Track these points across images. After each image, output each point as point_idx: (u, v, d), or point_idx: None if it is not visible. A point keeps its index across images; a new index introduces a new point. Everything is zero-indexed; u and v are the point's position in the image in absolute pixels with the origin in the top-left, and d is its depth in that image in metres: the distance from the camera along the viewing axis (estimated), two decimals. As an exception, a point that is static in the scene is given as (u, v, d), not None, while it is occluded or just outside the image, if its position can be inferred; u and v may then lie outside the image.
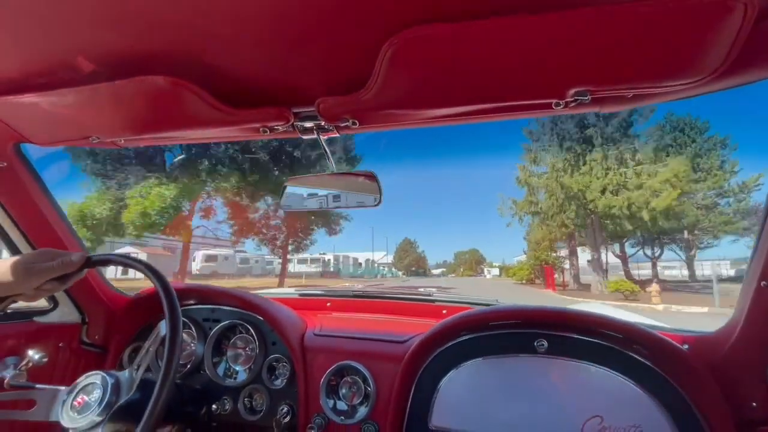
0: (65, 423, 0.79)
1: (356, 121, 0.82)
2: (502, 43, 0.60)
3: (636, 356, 0.93)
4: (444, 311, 1.38)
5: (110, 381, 0.84)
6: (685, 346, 0.93)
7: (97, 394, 0.82)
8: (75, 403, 0.82)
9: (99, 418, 0.79)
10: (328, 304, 1.56)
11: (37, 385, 0.88)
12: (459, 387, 1.02)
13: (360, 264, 58.42)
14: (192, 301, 1.35)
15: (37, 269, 0.78)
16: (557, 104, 0.72)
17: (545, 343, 0.99)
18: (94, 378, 0.85)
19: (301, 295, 1.65)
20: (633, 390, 0.91)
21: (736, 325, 0.85)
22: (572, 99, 0.70)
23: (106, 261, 0.86)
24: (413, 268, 71.78)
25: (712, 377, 0.87)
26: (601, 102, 0.73)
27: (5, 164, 1.01)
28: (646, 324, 1.06)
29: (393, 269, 65.24)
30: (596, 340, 0.97)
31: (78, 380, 0.85)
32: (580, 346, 0.98)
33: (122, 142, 0.96)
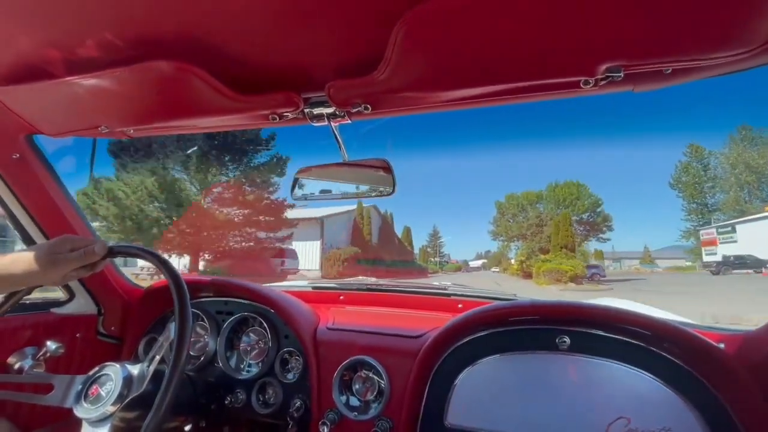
0: (78, 413, 0.80)
1: (369, 106, 0.78)
2: (525, 14, 0.55)
3: (666, 355, 0.88)
4: (460, 305, 1.34)
5: (123, 373, 0.83)
6: (721, 345, 0.87)
7: (110, 385, 0.82)
8: (90, 393, 0.83)
9: (110, 410, 0.78)
10: (341, 297, 1.53)
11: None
12: (476, 384, 0.98)
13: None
14: (206, 294, 1.35)
15: (61, 259, 0.78)
16: (586, 83, 0.66)
17: (568, 340, 0.94)
18: (108, 369, 0.85)
19: (314, 288, 1.63)
20: (663, 391, 0.85)
21: None
22: (603, 76, 0.64)
23: (127, 252, 0.87)
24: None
25: (751, 378, 0.81)
26: (635, 80, 0.67)
27: (18, 155, 1.01)
28: (677, 321, 1.00)
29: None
30: (623, 338, 0.91)
31: (93, 370, 0.86)
32: (605, 344, 0.92)
33: (131, 132, 0.95)
